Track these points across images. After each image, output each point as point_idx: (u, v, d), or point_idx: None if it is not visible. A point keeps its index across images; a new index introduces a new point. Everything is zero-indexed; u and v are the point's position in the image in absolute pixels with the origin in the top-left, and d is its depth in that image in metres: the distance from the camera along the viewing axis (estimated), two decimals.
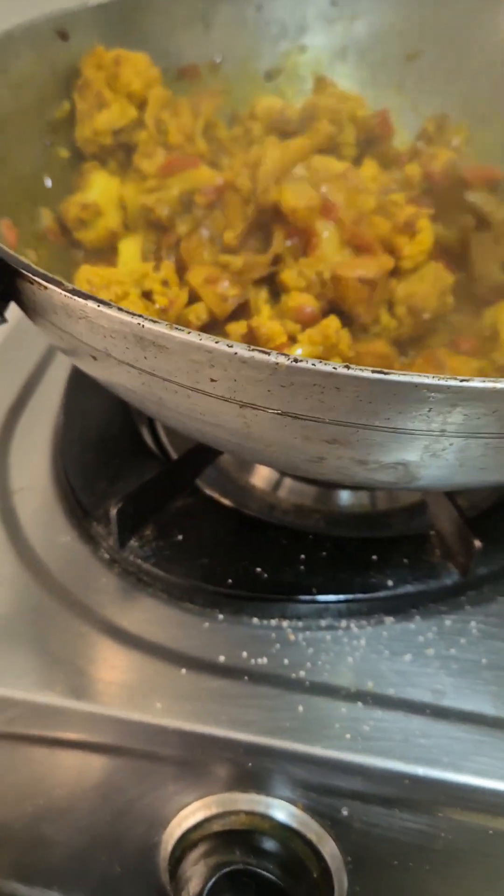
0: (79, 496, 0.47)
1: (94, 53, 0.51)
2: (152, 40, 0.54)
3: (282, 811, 0.39)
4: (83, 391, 0.54)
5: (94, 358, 0.33)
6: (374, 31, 0.57)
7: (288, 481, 0.51)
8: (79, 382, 0.55)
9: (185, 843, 0.39)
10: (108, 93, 0.51)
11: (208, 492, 0.48)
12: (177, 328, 0.28)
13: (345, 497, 0.51)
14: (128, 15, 0.53)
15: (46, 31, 0.50)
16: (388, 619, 0.43)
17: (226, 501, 0.48)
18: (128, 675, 0.40)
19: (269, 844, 0.38)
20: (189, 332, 0.27)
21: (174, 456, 0.51)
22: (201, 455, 0.47)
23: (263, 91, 0.58)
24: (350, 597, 0.43)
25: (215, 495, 0.48)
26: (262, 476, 0.52)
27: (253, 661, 0.41)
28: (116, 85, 0.51)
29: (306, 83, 0.59)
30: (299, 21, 0.57)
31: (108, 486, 0.47)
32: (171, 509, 0.46)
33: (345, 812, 0.38)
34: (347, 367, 0.26)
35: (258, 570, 0.43)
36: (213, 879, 0.37)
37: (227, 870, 0.37)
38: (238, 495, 0.50)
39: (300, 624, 0.43)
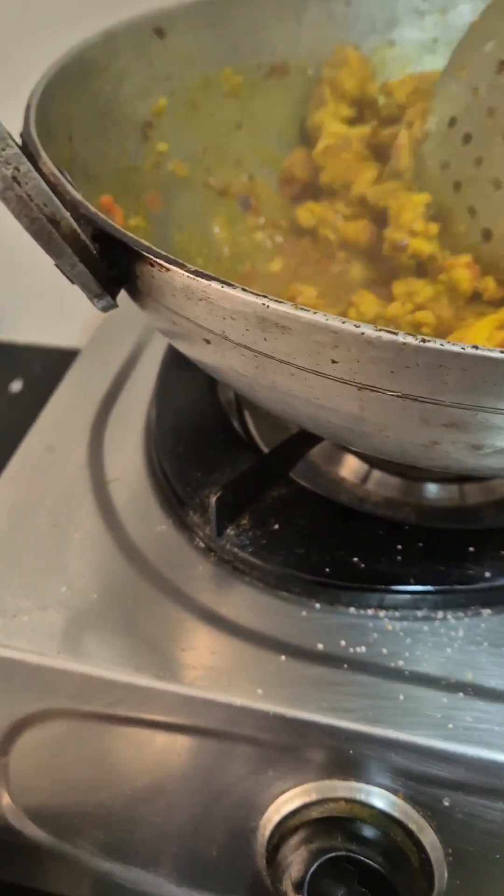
0: (174, 486, 0.48)
1: None
2: (245, 37, 0.55)
3: (382, 799, 0.39)
4: (174, 383, 0.55)
5: (208, 342, 0.34)
6: (466, 22, 0.57)
7: (376, 473, 0.51)
8: (169, 375, 0.56)
9: (284, 829, 0.39)
10: None
11: (302, 483, 0.48)
12: (302, 308, 0.28)
13: (433, 490, 0.50)
14: (222, 12, 0.53)
15: (145, 29, 0.51)
16: (486, 611, 0.43)
17: (319, 492, 0.48)
18: (228, 661, 0.40)
19: (370, 832, 0.38)
20: (315, 312, 0.28)
21: (264, 448, 0.51)
22: (296, 446, 0.47)
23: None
24: (447, 587, 0.42)
25: (308, 486, 0.48)
26: (350, 468, 0.52)
27: (351, 649, 0.41)
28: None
29: (394, 77, 0.59)
30: (389, 15, 0.57)
31: (203, 476, 0.48)
32: (266, 499, 0.46)
33: (446, 803, 0.38)
34: (476, 348, 0.26)
35: (355, 559, 0.43)
36: (316, 864, 0.37)
37: (329, 856, 0.37)
38: (329, 488, 0.50)
39: (397, 614, 0.42)
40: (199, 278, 0.30)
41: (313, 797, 0.39)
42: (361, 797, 0.38)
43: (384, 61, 0.59)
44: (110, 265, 0.34)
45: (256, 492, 0.46)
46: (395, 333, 0.27)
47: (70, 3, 0.67)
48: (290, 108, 0.59)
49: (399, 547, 0.44)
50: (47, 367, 0.90)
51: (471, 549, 0.44)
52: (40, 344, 0.93)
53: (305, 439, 0.46)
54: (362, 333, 0.27)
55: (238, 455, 0.49)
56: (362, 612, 0.42)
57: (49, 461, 0.51)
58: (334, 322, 0.27)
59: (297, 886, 0.37)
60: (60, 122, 0.44)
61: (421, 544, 0.44)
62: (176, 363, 0.56)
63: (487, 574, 0.43)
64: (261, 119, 0.57)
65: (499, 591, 0.43)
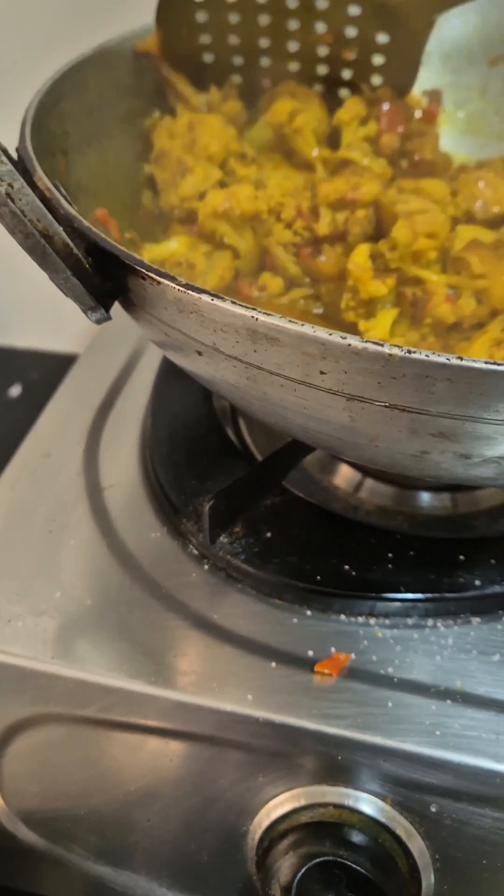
0: (168, 493, 0.48)
1: (163, 124, 0.52)
2: None
3: (370, 806, 0.39)
4: (169, 392, 0.55)
5: (200, 353, 0.34)
6: (456, 36, 0.57)
7: (369, 482, 0.52)
8: (165, 383, 0.56)
9: (273, 834, 0.40)
10: (188, 158, 0.51)
11: (295, 492, 0.49)
12: (290, 321, 0.28)
13: (426, 499, 0.51)
14: None
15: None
16: (476, 620, 0.43)
17: (312, 501, 0.49)
18: (219, 667, 0.41)
19: (358, 838, 0.39)
20: (303, 325, 0.28)
21: (258, 456, 0.52)
22: (289, 454, 0.47)
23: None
24: (437, 595, 0.43)
25: (301, 495, 0.49)
26: (344, 477, 0.52)
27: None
28: (195, 150, 0.52)
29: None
30: None
31: (197, 484, 0.48)
32: (259, 507, 0.47)
33: (434, 809, 0.38)
34: (461, 359, 0.27)
35: (346, 567, 0.44)
36: (304, 869, 0.37)
37: (317, 860, 0.37)
38: (322, 496, 0.50)
39: (387, 622, 0.43)
40: (189, 291, 0.30)
41: (302, 802, 0.39)
42: (350, 803, 0.39)
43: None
44: (104, 278, 0.35)
45: (250, 500, 0.46)
46: (381, 345, 0.27)
47: (67, 18, 0.68)
48: None
49: (390, 555, 0.44)
50: (46, 372, 0.91)
51: (461, 557, 0.45)
52: (39, 349, 0.94)
53: (299, 448, 0.47)
54: (349, 345, 0.28)
55: (232, 463, 0.50)
56: (353, 619, 0.43)
57: (45, 468, 0.52)
58: (322, 334, 0.28)
59: (286, 891, 0.37)
60: (56, 136, 0.45)
61: (412, 552, 0.45)
62: (172, 371, 0.57)
63: (477, 582, 0.43)
64: None
65: (488, 600, 0.43)
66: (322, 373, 0.30)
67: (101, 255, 0.34)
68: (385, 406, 0.30)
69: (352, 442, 0.34)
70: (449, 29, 0.58)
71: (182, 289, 0.31)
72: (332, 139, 0.57)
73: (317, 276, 0.49)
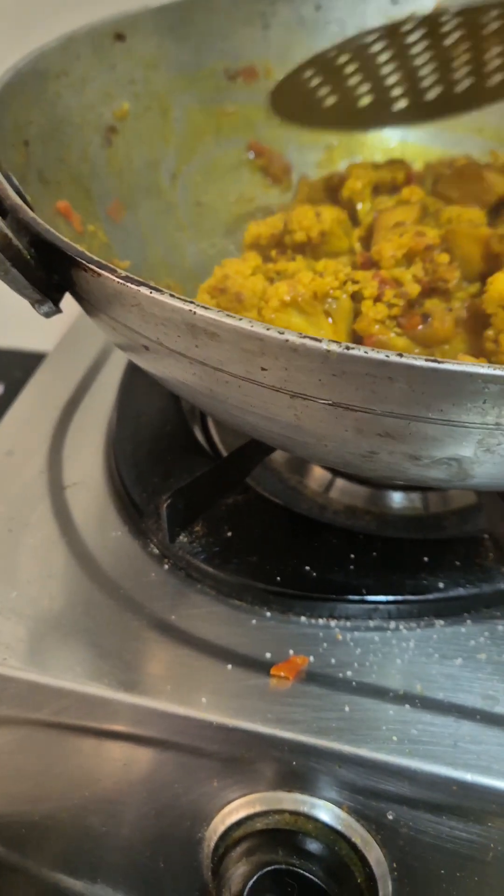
0: (130, 492, 0.47)
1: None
2: (209, 41, 0.54)
3: (327, 812, 0.38)
4: (137, 390, 0.55)
5: (147, 348, 0.33)
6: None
7: (340, 482, 0.51)
8: (132, 381, 0.55)
9: (228, 841, 0.39)
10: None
11: (259, 490, 0.48)
12: (228, 315, 0.28)
13: (397, 499, 0.50)
14: (186, 16, 0.53)
15: (106, 34, 0.51)
16: (439, 622, 0.42)
17: (276, 500, 0.48)
18: (175, 670, 0.40)
19: (313, 846, 0.38)
20: (240, 319, 0.27)
21: (225, 454, 0.51)
22: (252, 452, 0.46)
23: None
24: (400, 598, 0.42)
25: (266, 494, 0.48)
26: (313, 476, 0.51)
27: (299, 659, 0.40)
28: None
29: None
30: (359, 20, 0.57)
31: (160, 482, 0.47)
32: (221, 506, 0.46)
33: (391, 817, 0.37)
34: (400, 356, 0.26)
35: (307, 568, 0.43)
36: (255, 878, 0.36)
37: (268, 868, 0.36)
38: (289, 495, 0.49)
39: (348, 624, 0.42)
40: (128, 284, 0.29)
41: (258, 808, 0.39)
42: (306, 809, 0.38)
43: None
44: (50, 271, 0.34)
45: (211, 498, 0.45)
46: (319, 341, 0.27)
47: (29, 8, 0.67)
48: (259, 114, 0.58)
49: (353, 556, 0.44)
50: (28, 371, 0.90)
51: (426, 559, 0.44)
52: (21, 348, 0.93)
53: (261, 446, 0.46)
54: (286, 340, 0.27)
55: (197, 462, 0.49)
56: (313, 621, 0.42)
57: (7, 465, 0.51)
58: (259, 329, 0.27)
59: None
60: (16, 126, 0.44)
61: (375, 553, 0.44)
62: (138, 368, 0.56)
63: (441, 584, 0.42)
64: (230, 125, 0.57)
65: (452, 602, 0.42)
66: (263, 369, 0.29)
67: (45, 247, 0.33)
68: (328, 404, 0.29)
69: (302, 441, 0.34)
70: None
71: (121, 281, 0.30)
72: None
73: (431, 341, 0.45)
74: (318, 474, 0.51)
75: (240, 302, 0.45)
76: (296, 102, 0.58)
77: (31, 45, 0.47)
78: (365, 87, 0.58)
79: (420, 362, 0.26)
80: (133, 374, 0.56)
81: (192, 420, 0.53)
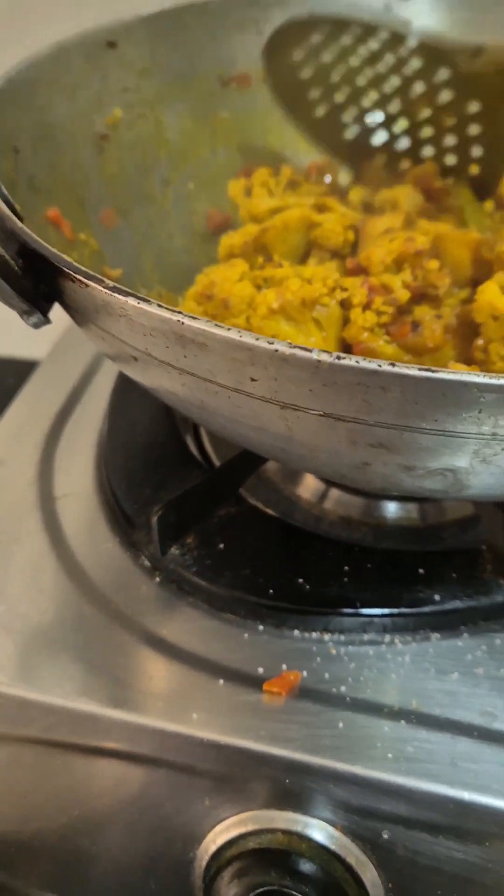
0: (121, 503, 0.47)
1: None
2: (203, 48, 0.54)
3: (320, 832, 0.37)
4: (128, 399, 0.54)
5: (136, 359, 0.33)
6: (428, 31, 0.56)
7: (335, 492, 0.50)
8: (124, 391, 0.55)
9: (220, 861, 0.38)
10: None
11: (252, 501, 0.47)
12: (216, 325, 0.27)
13: (393, 509, 0.49)
14: (179, 23, 0.53)
15: (98, 42, 0.50)
16: (435, 636, 0.41)
17: (270, 511, 0.47)
18: (166, 686, 0.39)
19: (307, 867, 0.37)
20: (228, 329, 0.27)
21: (218, 465, 0.50)
22: (245, 463, 0.46)
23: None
24: (395, 611, 0.41)
25: (259, 505, 0.47)
26: (308, 487, 0.50)
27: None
28: None
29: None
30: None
31: (151, 493, 0.47)
32: (213, 518, 0.45)
33: (386, 836, 0.37)
34: (393, 365, 0.25)
35: (300, 581, 0.42)
36: None
37: (261, 890, 0.36)
38: (283, 506, 0.49)
39: (342, 638, 0.41)
40: (116, 294, 0.29)
41: (250, 827, 0.38)
42: (299, 829, 0.37)
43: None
44: (38, 281, 0.33)
45: (203, 510, 0.45)
46: (310, 350, 0.26)
47: (21, 16, 0.67)
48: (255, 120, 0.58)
49: (347, 568, 0.43)
50: (21, 378, 0.89)
51: (421, 571, 0.43)
52: (14, 356, 0.93)
53: (253, 457, 0.45)
54: (276, 350, 0.26)
55: (189, 472, 0.48)
56: (307, 635, 0.41)
57: None
58: (248, 339, 0.26)
59: None
60: (6, 133, 0.43)
61: (370, 566, 0.43)
62: (130, 378, 0.55)
63: (437, 597, 0.42)
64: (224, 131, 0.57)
65: (449, 615, 0.42)
66: (253, 380, 0.28)
67: (32, 257, 0.32)
68: (320, 415, 0.28)
69: (294, 452, 0.33)
70: (420, 27, 0.57)
71: (109, 291, 0.29)
72: None
73: (421, 349, 0.44)
74: (312, 484, 0.51)
75: (227, 308, 0.44)
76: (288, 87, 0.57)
77: (19, 53, 0.46)
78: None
79: (413, 371, 0.25)
80: (124, 384, 0.55)
81: (184, 430, 0.52)
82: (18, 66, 0.45)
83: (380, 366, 0.25)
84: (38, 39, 0.48)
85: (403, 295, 0.44)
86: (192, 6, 0.53)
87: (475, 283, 0.44)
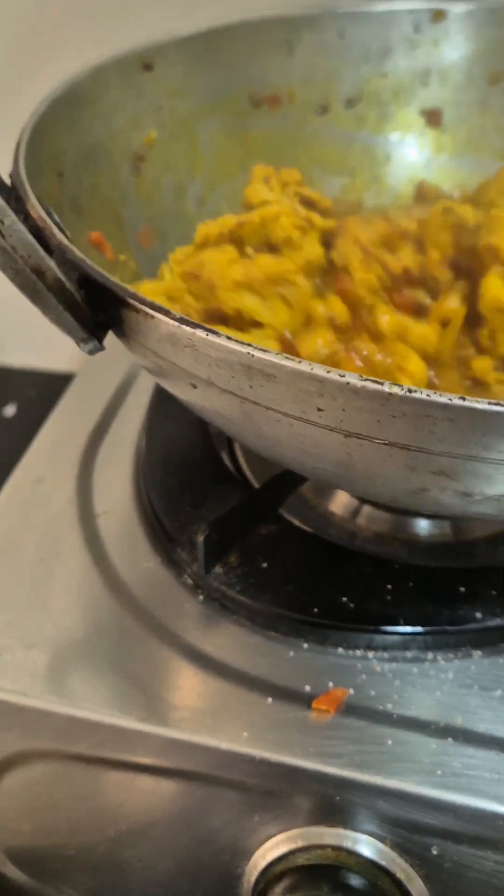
0: (162, 521, 0.47)
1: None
2: (235, 68, 0.55)
3: (369, 847, 0.38)
4: (164, 416, 0.54)
5: (195, 386, 0.33)
6: (457, 55, 0.57)
7: (367, 508, 0.51)
8: (160, 407, 0.55)
9: (269, 876, 0.39)
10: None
11: (289, 518, 0.48)
12: (286, 357, 0.28)
13: (424, 526, 0.50)
14: (212, 44, 0.54)
15: (134, 63, 0.51)
16: (477, 653, 0.42)
17: (307, 528, 0.48)
18: (214, 703, 0.40)
19: (356, 881, 0.37)
20: (300, 362, 0.27)
21: (254, 482, 0.51)
22: (286, 482, 0.46)
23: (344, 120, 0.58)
24: (437, 628, 0.42)
25: (296, 522, 0.48)
26: (340, 503, 0.51)
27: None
28: None
29: (388, 108, 0.59)
30: (382, 45, 0.57)
31: (191, 511, 0.47)
32: (255, 536, 0.46)
33: (435, 851, 0.37)
34: (463, 399, 0.26)
35: (344, 599, 0.43)
36: None
37: None
38: (318, 523, 0.49)
39: (386, 655, 0.42)
40: (184, 326, 0.29)
41: (299, 844, 0.38)
42: (348, 844, 0.38)
43: (377, 92, 0.59)
44: (96, 310, 0.34)
45: (245, 529, 0.45)
46: (381, 384, 0.27)
47: (56, 40, 0.67)
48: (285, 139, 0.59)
49: (389, 586, 0.43)
50: (41, 390, 0.90)
51: (462, 588, 0.44)
52: (34, 368, 0.93)
53: (294, 477, 0.46)
54: (347, 383, 0.27)
55: (227, 490, 0.49)
56: (351, 652, 0.42)
57: (38, 493, 0.51)
58: (320, 371, 0.27)
59: None
60: (51, 157, 0.44)
61: (411, 583, 0.44)
62: (166, 394, 0.56)
63: (478, 615, 0.42)
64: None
65: (490, 632, 0.42)
66: (319, 410, 0.29)
67: (94, 287, 0.33)
68: (384, 444, 0.29)
69: (348, 476, 0.34)
70: (449, 47, 0.58)
71: (177, 323, 0.30)
72: None
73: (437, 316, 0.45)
74: (344, 501, 0.51)
75: (211, 291, 0.44)
76: None
77: (58, 75, 0.47)
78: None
79: (483, 406, 0.26)
80: (160, 399, 0.56)
81: (219, 446, 0.53)
82: (60, 88, 0.46)
83: (450, 399, 0.26)
84: (67, 62, 0.48)
85: (397, 265, 0.45)
86: (227, 28, 0.53)
87: (467, 273, 0.45)
